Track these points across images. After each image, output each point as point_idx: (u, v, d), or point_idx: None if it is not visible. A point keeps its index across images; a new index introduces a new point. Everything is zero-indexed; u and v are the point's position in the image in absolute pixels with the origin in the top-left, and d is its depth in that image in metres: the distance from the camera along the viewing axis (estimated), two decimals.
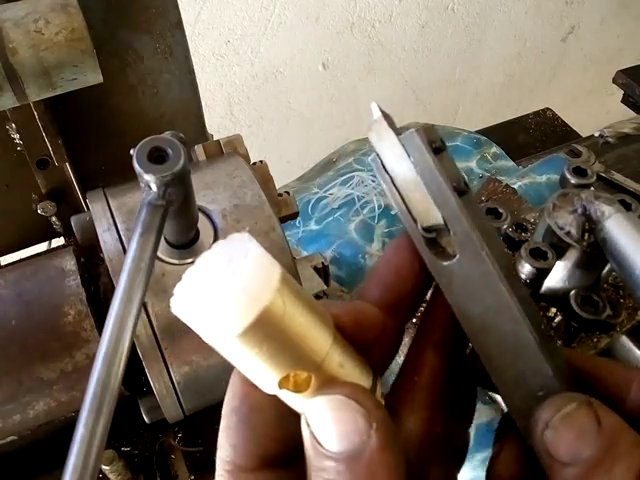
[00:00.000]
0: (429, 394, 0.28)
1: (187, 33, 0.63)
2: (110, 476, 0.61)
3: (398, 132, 0.26)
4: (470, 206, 0.25)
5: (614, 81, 1.11)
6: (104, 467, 0.59)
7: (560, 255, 0.63)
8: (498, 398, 0.67)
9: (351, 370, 0.24)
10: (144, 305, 0.46)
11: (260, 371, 0.21)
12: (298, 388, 0.23)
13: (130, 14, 0.59)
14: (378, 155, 0.27)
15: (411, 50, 1.78)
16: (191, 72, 0.66)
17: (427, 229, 0.27)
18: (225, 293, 0.19)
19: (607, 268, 0.65)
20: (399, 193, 0.27)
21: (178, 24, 0.62)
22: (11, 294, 0.50)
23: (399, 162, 0.26)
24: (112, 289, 0.37)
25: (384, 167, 0.27)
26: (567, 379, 0.26)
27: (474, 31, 1.85)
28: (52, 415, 0.50)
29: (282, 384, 0.22)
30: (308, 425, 0.23)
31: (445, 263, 0.27)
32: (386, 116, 0.27)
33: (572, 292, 0.64)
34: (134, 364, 0.45)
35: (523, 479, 0.27)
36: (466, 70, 1.93)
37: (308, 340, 0.22)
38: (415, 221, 0.27)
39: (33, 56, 0.47)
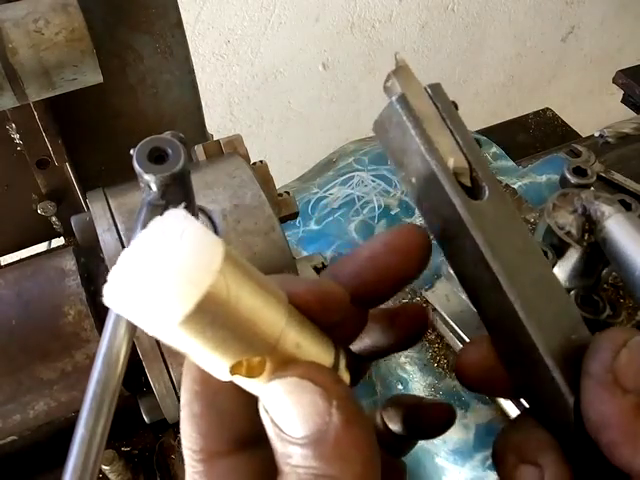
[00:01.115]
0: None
1: (187, 33, 0.63)
2: (110, 476, 0.61)
3: (418, 85, 0.28)
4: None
5: (614, 81, 1.11)
6: (104, 467, 0.59)
7: (560, 255, 0.63)
8: (499, 398, 0.67)
9: (309, 349, 0.23)
10: None
11: (209, 359, 0.20)
12: (252, 373, 0.21)
13: (130, 14, 0.59)
14: (405, 96, 0.27)
15: (411, 50, 1.78)
16: (191, 72, 0.66)
17: (456, 167, 0.27)
18: (160, 279, 0.18)
19: (607, 268, 0.65)
20: (427, 133, 0.27)
21: (178, 24, 0.62)
22: (11, 294, 0.50)
23: (426, 105, 0.27)
24: None
25: (412, 107, 0.27)
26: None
27: (474, 31, 1.85)
28: (52, 415, 0.50)
29: (234, 370, 0.21)
30: (267, 411, 0.22)
31: (477, 202, 0.26)
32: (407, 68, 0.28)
33: (572, 292, 0.64)
34: (134, 364, 0.45)
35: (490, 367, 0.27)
36: (466, 70, 1.93)
37: (259, 322, 0.20)
38: (444, 160, 0.27)
39: (33, 56, 0.47)
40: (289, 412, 0.21)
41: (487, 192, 0.26)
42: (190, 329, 0.18)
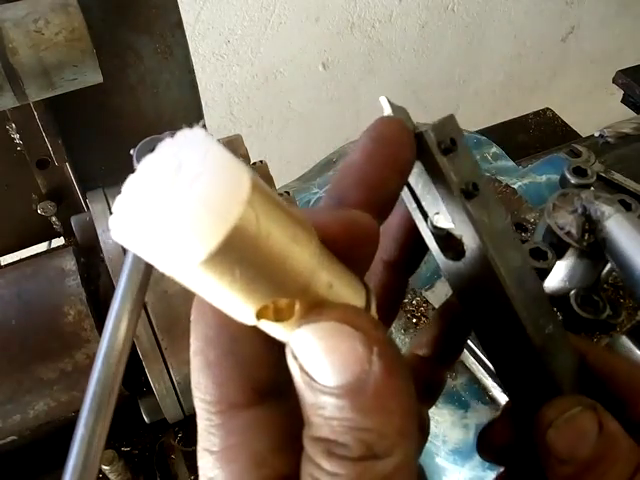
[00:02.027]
0: (379, 306, 0.27)
1: (187, 33, 0.63)
2: (110, 476, 0.61)
3: (412, 127, 0.26)
4: (481, 209, 0.25)
5: (614, 81, 1.11)
6: (104, 467, 0.59)
7: (560, 255, 0.63)
8: (498, 398, 0.67)
9: (341, 289, 0.20)
10: (144, 305, 0.46)
11: (233, 302, 0.17)
12: (280, 317, 0.19)
13: (130, 14, 0.59)
14: None
15: (411, 50, 1.78)
16: (191, 72, 0.66)
17: (438, 228, 0.27)
18: (180, 210, 0.15)
19: (607, 268, 0.65)
20: (411, 191, 0.27)
21: (178, 24, 0.62)
22: (11, 294, 0.50)
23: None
24: (112, 289, 0.38)
25: None
26: (575, 379, 0.27)
27: (474, 31, 1.85)
28: (52, 415, 0.50)
29: (261, 314, 0.18)
30: (295, 358, 0.19)
31: (454, 263, 0.26)
32: (398, 110, 0.26)
33: (572, 292, 0.64)
34: (134, 364, 0.45)
35: (513, 448, 0.28)
36: (466, 70, 1.93)
37: (290, 259, 0.17)
38: (425, 217, 0.27)
39: (33, 56, 0.47)
40: (323, 359, 0.19)
41: (467, 254, 0.26)
42: (215, 268, 0.16)
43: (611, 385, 0.27)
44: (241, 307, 0.18)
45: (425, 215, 0.27)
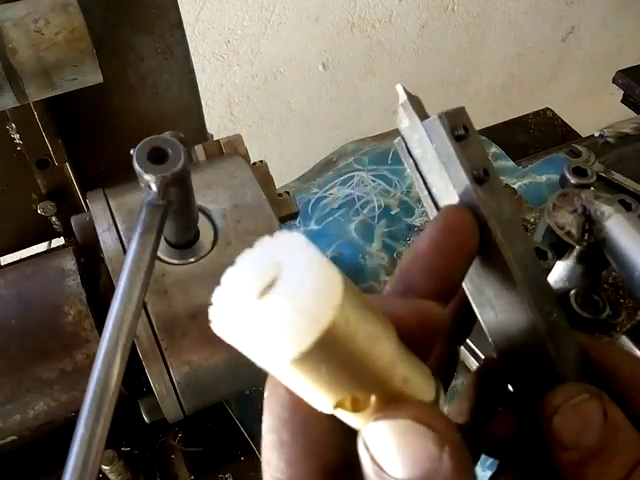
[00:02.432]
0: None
1: (187, 33, 0.63)
2: (110, 476, 0.61)
3: (424, 116, 0.26)
4: (491, 194, 0.25)
5: (614, 81, 1.11)
6: (104, 467, 0.59)
7: (560, 255, 0.63)
8: None
9: (415, 383, 0.21)
10: (144, 305, 0.46)
11: (316, 394, 0.19)
12: (357, 408, 0.20)
13: (130, 14, 0.59)
14: (403, 138, 0.27)
15: (411, 50, 1.78)
16: (191, 72, 0.66)
17: None
18: (279, 312, 0.16)
19: (607, 268, 0.65)
20: (422, 178, 0.27)
21: (178, 24, 0.62)
22: (11, 294, 0.50)
23: (423, 147, 0.26)
24: (112, 289, 0.38)
25: (409, 151, 0.27)
26: (579, 370, 0.27)
27: (474, 31, 1.85)
28: (52, 415, 0.50)
29: (339, 405, 0.20)
30: (367, 448, 0.20)
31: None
32: (412, 98, 0.27)
33: (572, 292, 0.64)
34: (134, 364, 0.45)
35: (516, 440, 0.28)
36: (466, 70, 1.93)
37: (372, 357, 0.19)
38: (437, 207, 0.27)
39: (33, 56, 0.47)
40: (395, 453, 0.20)
41: None
42: (304, 366, 0.17)
43: (613, 380, 0.27)
44: (322, 399, 0.19)
45: (435, 203, 0.27)
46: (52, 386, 0.49)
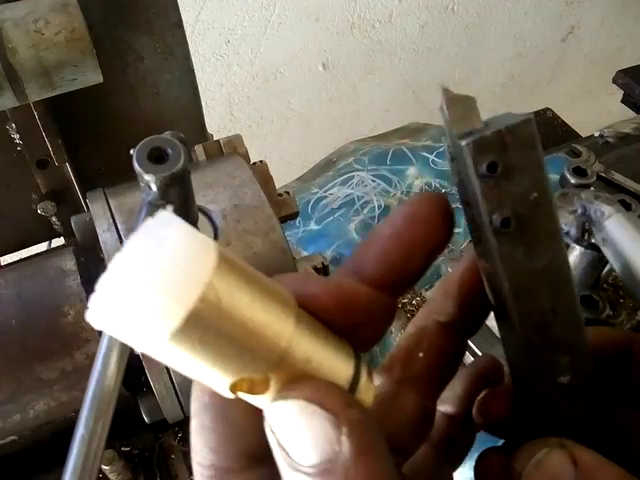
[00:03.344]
0: (429, 370, 0.27)
1: (187, 33, 0.63)
2: (110, 476, 0.61)
3: (478, 122, 0.21)
4: (509, 246, 0.21)
5: (614, 81, 1.11)
6: (104, 467, 0.59)
7: None
8: None
9: (322, 362, 0.20)
10: None
11: (207, 376, 0.18)
12: (254, 391, 0.19)
13: (130, 14, 0.59)
14: (449, 147, 0.23)
15: (411, 50, 1.78)
16: (191, 72, 0.66)
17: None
18: (142, 296, 0.16)
19: (607, 268, 0.65)
20: (463, 191, 0.23)
21: (178, 24, 0.62)
22: (11, 294, 0.50)
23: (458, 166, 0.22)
24: None
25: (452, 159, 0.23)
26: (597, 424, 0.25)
27: (474, 31, 1.85)
28: (52, 415, 0.50)
29: (236, 388, 0.19)
30: (273, 432, 0.19)
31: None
32: (457, 101, 0.21)
33: None
34: (134, 364, 0.45)
35: (510, 419, 0.26)
36: (466, 70, 1.93)
37: (259, 335, 0.18)
38: (475, 225, 0.23)
39: (33, 56, 0.47)
40: (296, 437, 0.19)
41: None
42: (179, 347, 0.17)
43: (603, 346, 0.25)
44: (215, 381, 0.18)
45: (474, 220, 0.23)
46: (52, 386, 0.49)
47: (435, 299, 0.28)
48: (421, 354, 0.27)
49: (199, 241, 0.17)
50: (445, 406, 0.29)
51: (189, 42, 0.64)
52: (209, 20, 1.45)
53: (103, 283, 0.17)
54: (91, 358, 0.49)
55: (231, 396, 0.19)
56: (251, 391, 0.19)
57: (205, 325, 0.16)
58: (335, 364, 0.21)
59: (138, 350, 0.17)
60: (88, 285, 0.52)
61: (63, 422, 0.51)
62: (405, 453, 0.28)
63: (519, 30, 1.93)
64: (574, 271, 0.64)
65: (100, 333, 0.48)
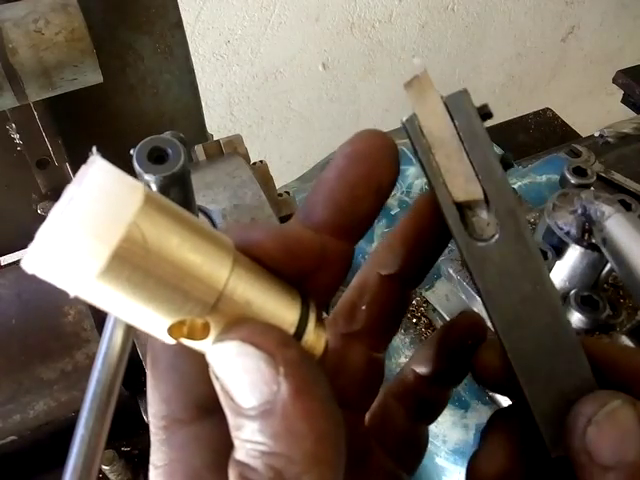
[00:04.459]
0: (372, 322, 0.27)
1: (187, 33, 0.63)
2: (110, 476, 0.61)
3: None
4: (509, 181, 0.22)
5: (614, 81, 1.11)
6: (104, 467, 0.59)
7: (560, 255, 0.63)
8: (498, 398, 0.67)
9: (263, 306, 0.20)
10: None
11: (142, 320, 0.18)
12: (193, 336, 0.19)
13: (130, 14, 0.59)
14: (416, 116, 0.23)
15: (411, 50, 1.78)
16: (191, 72, 0.66)
17: (462, 204, 0.24)
18: (68, 237, 0.16)
19: (607, 268, 0.65)
20: (435, 161, 0.23)
21: (178, 24, 0.62)
22: (11, 294, 0.50)
23: (440, 125, 0.23)
24: None
25: (421, 130, 0.23)
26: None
27: (474, 31, 1.85)
28: (52, 415, 0.50)
29: (175, 332, 0.18)
30: (217, 378, 0.19)
31: (480, 244, 0.23)
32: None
33: (572, 292, 0.64)
34: (134, 364, 0.45)
35: (507, 478, 0.25)
36: (466, 70, 1.93)
37: (191, 276, 0.18)
38: (450, 194, 0.23)
39: (33, 56, 0.47)
40: (237, 379, 0.19)
41: (497, 231, 0.23)
42: (108, 287, 0.16)
43: (614, 374, 0.25)
44: (152, 326, 0.18)
45: (449, 191, 0.23)
46: (52, 386, 0.49)
47: (377, 252, 0.27)
48: (363, 307, 0.27)
49: (123, 181, 0.17)
50: (420, 367, 0.29)
51: (189, 42, 0.64)
52: (209, 20, 1.45)
53: (40, 232, 0.17)
54: (91, 358, 0.49)
55: (172, 342, 0.19)
56: (191, 336, 0.19)
57: (132, 265, 0.16)
58: (278, 309, 0.20)
59: (72, 293, 0.17)
60: None
61: (63, 422, 0.51)
62: (359, 408, 0.28)
63: (519, 30, 1.93)
64: (574, 271, 0.64)
65: (100, 333, 0.48)
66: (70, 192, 0.17)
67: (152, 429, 0.22)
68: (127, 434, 0.67)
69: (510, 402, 0.28)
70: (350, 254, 0.23)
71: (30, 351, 0.48)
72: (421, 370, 0.29)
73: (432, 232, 0.26)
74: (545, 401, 0.24)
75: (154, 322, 0.18)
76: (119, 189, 0.17)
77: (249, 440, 0.19)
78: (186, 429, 0.21)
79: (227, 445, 0.20)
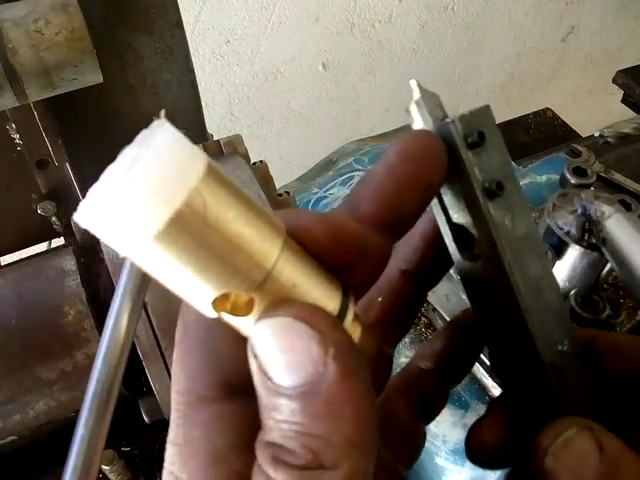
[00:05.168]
0: (387, 316, 0.27)
1: (187, 33, 0.63)
2: (110, 476, 0.61)
3: (442, 115, 0.24)
4: (504, 209, 0.23)
5: (614, 81, 1.11)
6: (104, 467, 0.59)
7: (560, 255, 0.63)
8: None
9: (308, 290, 0.20)
10: (144, 305, 0.46)
11: (189, 289, 0.18)
12: (237, 311, 0.19)
13: (130, 14, 0.59)
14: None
15: (411, 50, 1.78)
16: (191, 72, 0.66)
17: (457, 225, 0.25)
18: (129, 196, 0.16)
19: (607, 268, 0.65)
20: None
21: (178, 24, 0.62)
22: (11, 294, 0.50)
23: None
24: (112, 289, 0.38)
25: None
26: (586, 402, 0.25)
27: (474, 31, 1.85)
28: (52, 415, 0.50)
29: (218, 306, 0.18)
30: (255, 356, 0.19)
31: (468, 263, 0.25)
32: (428, 96, 0.25)
33: (572, 292, 0.64)
34: (134, 364, 0.45)
35: (504, 447, 0.26)
36: (466, 70, 1.93)
37: (245, 250, 0.18)
38: (447, 214, 0.25)
39: (33, 56, 0.47)
40: (279, 357, 0.18)
41: (482, 256, 0.24)
42: (162, 251, 0.16)
43: (617, 360, 0.25)
44: (198, 295, 0.18)
45: (445, 209, 0.25)
46: (52, 386, 0.49)
47: (398, 248, 0.28)
48: (380, 298, 0.27)
49: (188, 147, 0.17)
50: (424, 362, 0.30)
51: (189, 42, 0.64)
52: (209, 20, 1.45)
53: (94, 189, 0.17)
54: (91, 358, 0.49)
55: (214, 315, 0.18)
56: (234, 311, 0.19)
57: (189, 231, 0.16)
58: (321, 295, 0.20)
59: (122, 253, 0.17)
60: (88, 285, 0.52)
61: (63, 422, 0.51)
62: None
63: (519, 30, 1.93)
64: (574, 271, 0.64)
65: (100, 333, 0.48)
66: (132, 153, 0.16)
67: (174, 405, 0.21)
68: (127, 434, 0.67)
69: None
70: (389, 251, 0.23)
71: (30, 351, 0.48)
72: (425, 365, 0.30)
73: None
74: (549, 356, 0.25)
75: (199, 293, 0.18)
76: (185, 155, 0.16)
77: (286, 420, 0.18)
78: (210, 408, 0.21)
79: (252, 427, 0.20)
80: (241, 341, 0.20)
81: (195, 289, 0.18)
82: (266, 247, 0.18)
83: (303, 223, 0.20)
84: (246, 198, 0.18)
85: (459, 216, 0.25)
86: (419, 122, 0.25)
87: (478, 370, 0.70)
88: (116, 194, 0.16)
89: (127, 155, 0.17)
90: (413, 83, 0.25)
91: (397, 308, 0.27)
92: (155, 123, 0.17)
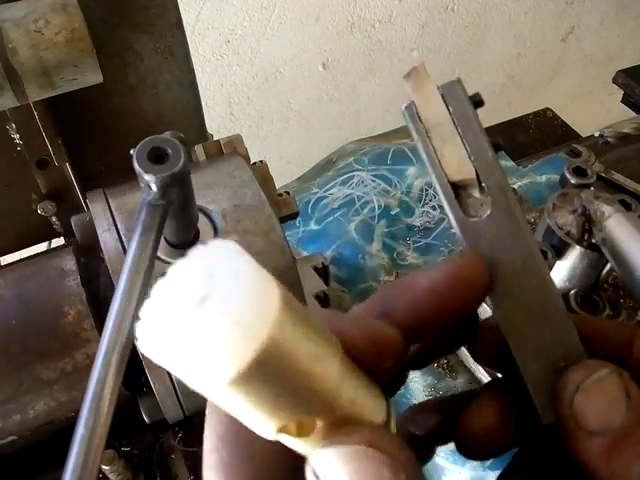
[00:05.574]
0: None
1: (187, 33, 0.63)
2: (110, 476, 0.61)
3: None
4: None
5: (614, 81, 1.11)
6: (104, 467, 0.59)
7: (560, 255, 0.63)
8: None
9: (364, 405, 0.20)
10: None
11: (256, 418, 0.17)
12: (301, 433, 0.18)
13: (130, 14, 0.59)
14: (414, 104, 0.25)
15: (411, 50, 1.78)
16: (191, 72, 0.66)
17: (457, 185, 0.26)
18: (209, 330, 0.15)
19: (607, 268, 0.65)
20: (431, 144, 0.25)
21: (178, 24, 0.62)
22: (11, 294, 0.50)
23: (436, 112, 0.25)
24: (112, 289, 0.38)
25: (419, 116, 0.25)
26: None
27: (474, 31, 1.84)
28: (52, 415, 0.50)
29: (282, 430, 0.18)
30: (317, 477, 0.19)
31: (473, 220, 0.25)
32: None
33: (572, 292, 0.64)
34: (134, 364, 0.45)
35: (495, 435, 0.26)
36: (466, 70, 1.93)
37: (314, 378, 0.17)
38: (447, 178, 0.25)
39: (33, 56, 0.47)
40: None
41: (489, 208, 0.25)
42: (241, 388, 0.15)
43: (599, 345, 0.25)
44: (264, 423, 0.17)
45: (445, 173, 0.26)
46: (52, 386, 0.49)
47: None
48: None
49: (266, 277, 0.16)
50: (416, 428, 0.29)
51: (189, 42, 0.64)
52: (209, 20, 1.45)
53: (158, 297, 0.15)
54: (91, 358, 0.49)
55: (273, 438, 0.18)
56: (299, 433, 0.18)
57: (269, 366, 0.15)
58: (374, 406, 0.20)
59: (193, 388, 0.16)
60: (88, 285, 0.52)
61: (63, 422, 0.51)
62: None
63: (519, 30, 1.92)
64: (574, 271, 0.64)
65: (100, 333, 0.48)
66: (195, 274, 0.15)
67: None
68: (127, 434, 0.67)
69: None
70: (406, 353, 0.23)
71: (30, 351, 0.48)
72: (418, 431, 0.29)
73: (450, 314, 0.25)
74: (536, 369, 0.25)
75: (265, 420, 0.17)
76: (264, 286, 0.15)
77: None
78: None
79: None
80: (283, 453, 0.20)
81: (262, 418, 0.17)
82: (330, 371, 0.18)
83: (344, 330, 0.20)
84: (311, 321, 0.17)
85: (461, 172, 0.25)
86: (418, 86, 0.25)
87: (478, 370, 0.70)
88: (195, 325, 0.15)
89: (195, 273, 0.15)
90: (416, 53, 0.26)
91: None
92: (226, 245, 0.16)
